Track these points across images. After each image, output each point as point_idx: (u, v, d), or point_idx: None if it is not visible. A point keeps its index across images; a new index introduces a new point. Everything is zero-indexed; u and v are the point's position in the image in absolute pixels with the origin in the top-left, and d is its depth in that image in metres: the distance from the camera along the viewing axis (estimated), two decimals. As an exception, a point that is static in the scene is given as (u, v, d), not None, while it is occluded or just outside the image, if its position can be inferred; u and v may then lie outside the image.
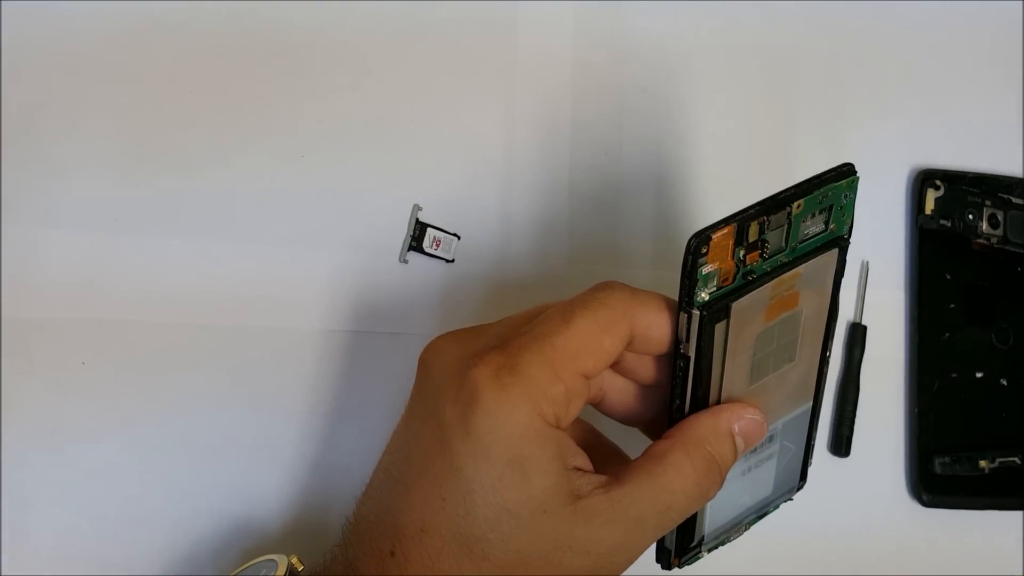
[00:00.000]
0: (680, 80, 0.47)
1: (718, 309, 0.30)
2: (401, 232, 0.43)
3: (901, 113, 0.48)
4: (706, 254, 0.29)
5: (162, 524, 0.40)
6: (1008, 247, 0.47)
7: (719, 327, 0.30)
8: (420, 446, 0.30)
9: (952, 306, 0.47)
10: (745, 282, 0.31)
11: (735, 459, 0.32)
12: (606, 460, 0.33)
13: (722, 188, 0.46)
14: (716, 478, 0.31)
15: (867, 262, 0.47)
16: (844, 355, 0.46)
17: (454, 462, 0.28)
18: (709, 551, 0.35)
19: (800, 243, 0.32)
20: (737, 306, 0.31)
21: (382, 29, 0.45)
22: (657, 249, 0.45)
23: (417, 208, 0.44)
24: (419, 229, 0.43)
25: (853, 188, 0.32)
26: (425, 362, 0.31)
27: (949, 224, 0.47)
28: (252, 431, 0.41)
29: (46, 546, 0.39)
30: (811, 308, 0.33)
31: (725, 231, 0.30)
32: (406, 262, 0.43)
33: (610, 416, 0.34)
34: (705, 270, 0.30)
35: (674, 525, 0.31)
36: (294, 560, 0.34)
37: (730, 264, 0.30)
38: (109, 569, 0.39)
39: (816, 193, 0.31)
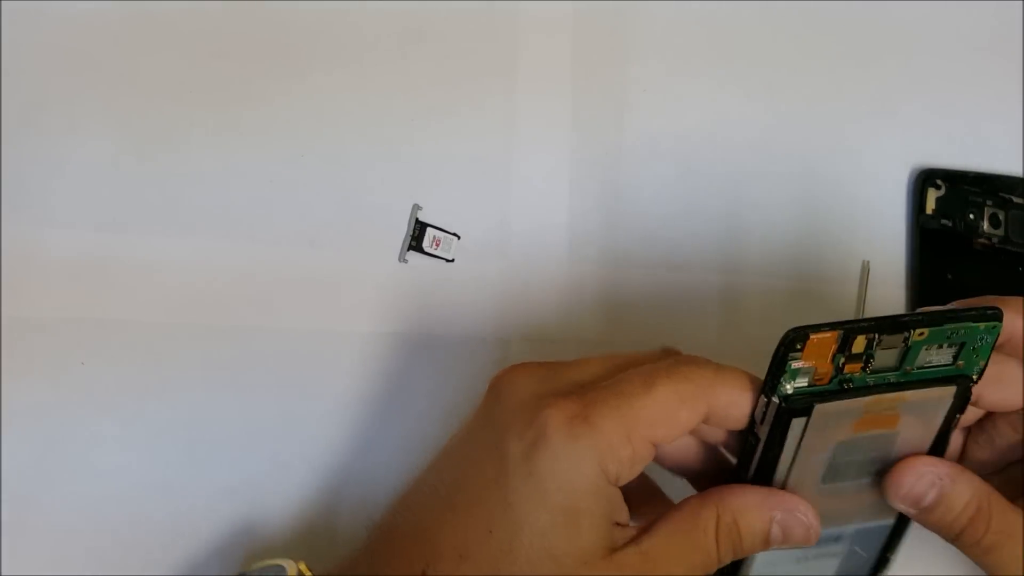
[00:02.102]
0: (680, 80, 0.47)
1: (800, 405, 0.30)
2: (401, 232, 0.43)
3: (902, 112, 0.48)
4: (800, 350, 0.29)
5: (163, 524, 0.40)
6: (1009, 247, 0.47)
7: (797, 422, 0.30)
8: (477, 473, 0.29)
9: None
10: (840, 389, 0.30)
11: (764, 547, 0.31)
12: (645, 500, 0.34)
13: (723, 188, 0.46)
14: (732, 551, 0.31)
15: (868, 262, 0.47)
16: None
17: (509, 497, 0.28)
18: None
19: (917, 369, 0.30)
20: (822, 409, 0.30)
21: (382, 29, 0.45)
22: (657, 250, 0.45)
23: (417, 208, 0.44)
24: (419, 229, 0.43)
25: (993, 333, 0.30)
26: (496, 390, 0.31)
27: (950, 224, 0.46)
28: (252, 431, 0.41)
29: (46, 546, 0.39)
30: (911, 434, 0.32)
31: (827, 335, 0.29)
32: (406, 262, 0.43)
33: (661, 465, 0.34)
34: (795, 365, 0.29)
35: None
36: (302, 567, 0.33)
37: (828, 367, 0.30)
38: (109, 569, 0.39)
39: (946, 327, 0.30)
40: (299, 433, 0.42)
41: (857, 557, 0.35)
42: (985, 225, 0.47)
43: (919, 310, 0.30)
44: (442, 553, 0.29)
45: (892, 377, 0.30)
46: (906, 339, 0.30)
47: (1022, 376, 0.33)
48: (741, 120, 0.47)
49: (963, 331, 0.30)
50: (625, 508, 0.31)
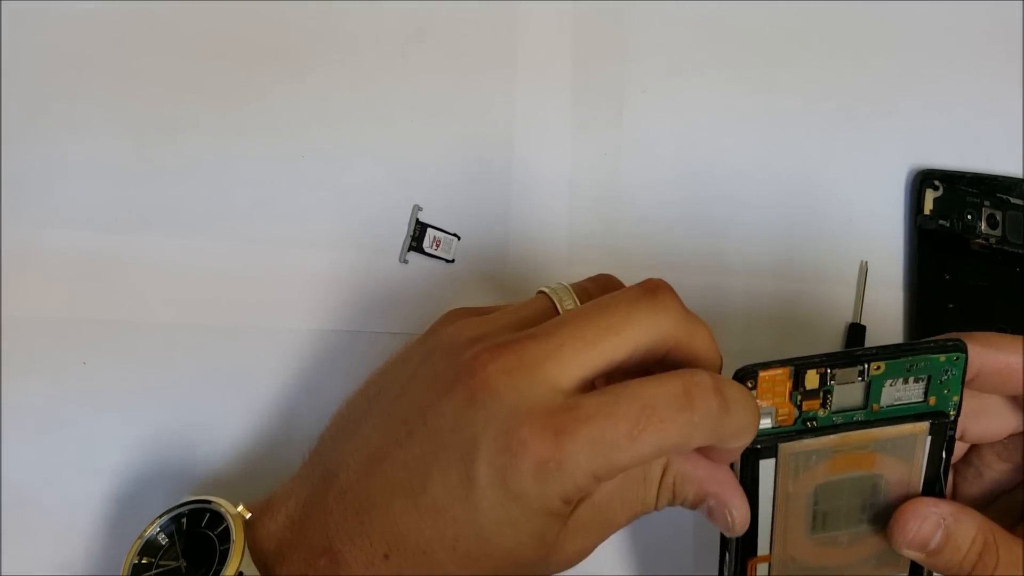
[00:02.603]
0: (680, 80, 0.47)
1: (765, 445, 0.30)
2: (401, 232, 0.43)
3: (900, 113, 0.48)
4: (753, 388, 0.29)
5: (162, 524, 0.40)
6: (1006, 247, 0.47)
7: (765, 464, 0.30)
8: (443, 481, 0.28)
9: (951, 306, 0.47)
10: (804, 428, 0.30)
11: (691, 508, 0.32)
12: None
13: (722, 188, 0.46)
14: (667, 504, 0.32)
15: (866, 262, 0.47)
16: (843, 355, 0.46)
17: (477, 519, 0.28)
18: None
19: (886, 407, 0.30)
20: (787, 448, 0.30)
21: (382, 29, 0.45)
22: (655, 250, 0.45)
23: (417, 208, 0.44)
24: (419, 229, 0.43)
25: (957, 365, 0.30)
26: (480, 388, 0.28)
27: (948, 224, 0.47)
28: (252, 431, 0.41)
29: (46, 546, 0.39)
30: (895, 477, 0.32)
31: (778, 372, 0.29)
32: (406, 262, 0.43)
33: None
34: None
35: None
36: (241, 509, 0.33)
37: (789, 406, 0.30)
38: (109, 569, 0.39)
39: (903, 360, 0.30)
40: (299, 433, 0.41)
41: None
42: (983, 226, 0.47)
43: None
44: (406, 545, 0.29)
45: (860, 415, 0.30)
46: (862, 373, 0.30)
47: (1002, 404, 0.33)
48: (740, 120, 0.47)
49: (923, 364, 0.30)
50: None
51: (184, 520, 0.33)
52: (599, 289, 0.33)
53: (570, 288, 0.33)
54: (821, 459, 0.31)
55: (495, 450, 0.28)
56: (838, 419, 0.30)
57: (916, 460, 0.32)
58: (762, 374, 0.29)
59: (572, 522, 0.30)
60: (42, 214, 0.41)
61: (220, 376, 0.41)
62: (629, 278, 0.44)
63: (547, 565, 0.30)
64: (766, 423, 0.30)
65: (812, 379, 0.29)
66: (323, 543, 0.30)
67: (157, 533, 0.32)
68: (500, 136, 0.45)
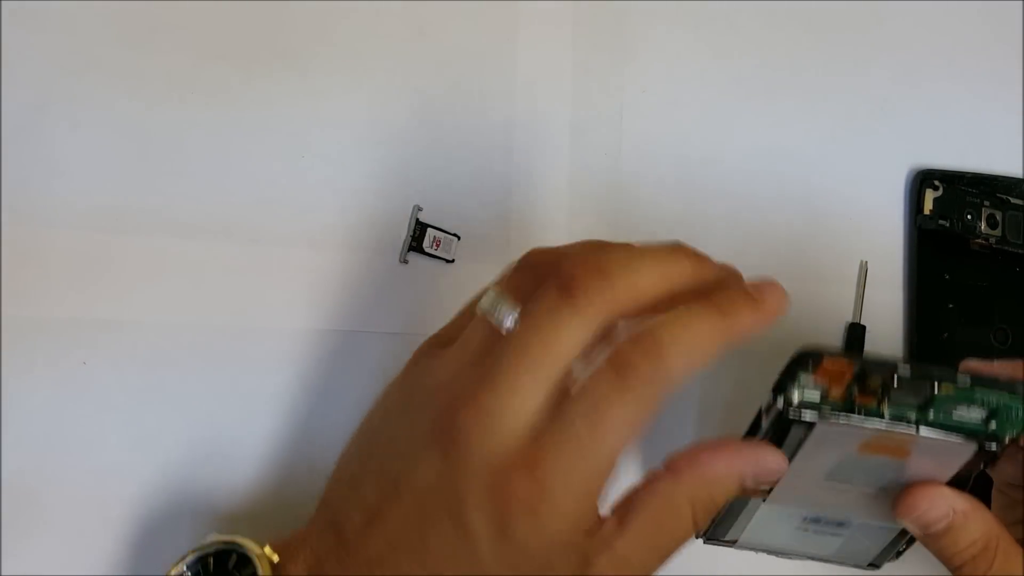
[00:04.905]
0: (680, 80, 0.47)
1: (802, 419, 0.29)
2: (401, 232, 0.43)
3: (900, 113, 0.48)
4: (810, 370, 0.29)
5: (163, 524, 0.40)
6: (1006, 247, 0.47)
7: (797, 428, 0.30)
8: (440, 537, 0.29)
9: (951, 306, 0.47)
10: (848, 410, 0.29)
11: (737, 493, 0.31)
12: None
13: (721, 189, 0.46)
14: (708, 518, 0.31)
15: (866, 262, 0.47)
16: (843, 355, 0.46)
17: (484, 569, 0.28)
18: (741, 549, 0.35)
19: (938, 416, 0.30)
20: (823, 427, 0.29)
21: (382, 29, 0.45)
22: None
23: (417, 208, 0.44)
24: (419, 229, 0.43)
25: None
26: (455, 436, 0.29)
27: (947, 224, 0.47)
28: (252, 431, 0.41)
29: (46, 546, 0.39)
30: (922, 469, 0.31)
31: (843, 363, 0.28)
32: (406, 262, 0.43)
33: None
34: (804, 380, 0.29)
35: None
36: (267, 550, 0.33)
37: (841, 391, 0.29)
38: (110, 569, 0.39)
39: (976, 390, 0.29)
40: (299, 433, 0.42)
41: (861, 541, 0.35)
42: (982, 226, 0.47)
43: (964, 364, 0.30)
44: None
45: (912, 416, 0.30)
46: (931, 389, 0.29)
47: None
48: (740, 120, 0.47)
49: (994, 399, 0.29)
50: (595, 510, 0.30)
51: (211, 560, 0.33)
52: (529, 276, 0.32)
53: (499, 295, 0.32)
54: (853, 440, 0.30)
55: (482, 499, 0.28)
56: (883, 413, 0.29)
57: (949, 467, 0.31)
58: (825, 361, 0.28)
59: (594, 571, 0.29)
60: (42, 214, 0.41)
61: (220, 376, 0.41)
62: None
63: None
64: (813, 396, 0.29)
65: (875, 381, 0.29)
66: None
67: (183, 573, 0.33)
68: (500, 136, 0.45)
